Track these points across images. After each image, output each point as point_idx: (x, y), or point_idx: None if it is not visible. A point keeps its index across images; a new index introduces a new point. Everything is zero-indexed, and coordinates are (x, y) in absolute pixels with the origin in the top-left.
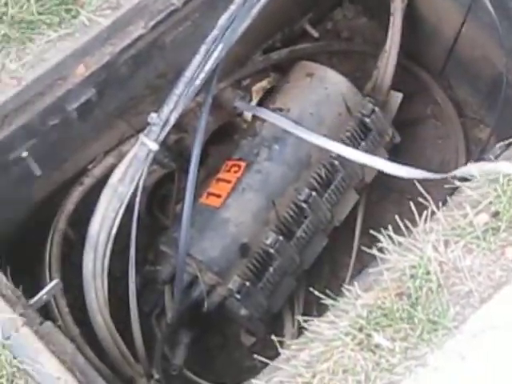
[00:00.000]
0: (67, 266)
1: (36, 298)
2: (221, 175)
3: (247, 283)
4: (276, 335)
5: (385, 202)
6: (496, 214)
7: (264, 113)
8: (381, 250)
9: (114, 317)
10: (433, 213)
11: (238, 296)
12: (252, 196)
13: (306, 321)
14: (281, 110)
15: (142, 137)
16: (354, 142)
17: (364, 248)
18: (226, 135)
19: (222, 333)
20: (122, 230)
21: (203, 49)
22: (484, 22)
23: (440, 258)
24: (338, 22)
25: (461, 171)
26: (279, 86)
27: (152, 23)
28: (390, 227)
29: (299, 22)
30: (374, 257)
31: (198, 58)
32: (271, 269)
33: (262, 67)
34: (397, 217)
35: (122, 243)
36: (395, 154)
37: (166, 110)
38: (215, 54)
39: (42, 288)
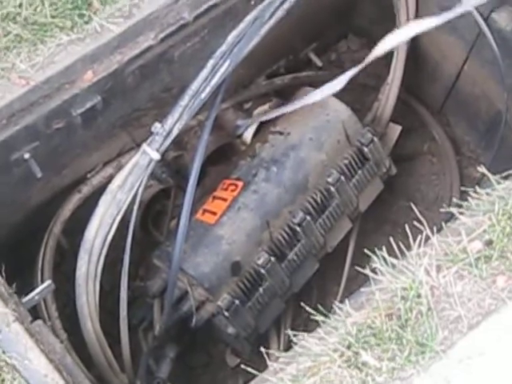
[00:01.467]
0: (58, 274)
1: (28, 297)
2: (217, 193)
3: (236, 301)
4: (261, 358)
5: (377, 232)
6: (489, 243)
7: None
8: (374, 270)
9: (102, 329)
10: (427, 237)
11: (227, 314)
12: (247, 215)
13: (295, 335)
14: (281, 133)
15: (144, 146)
16: (350, 170)
17: (357, 268)
18: (224, 156)
19: (207, 351)
20: (114, 244)
21: (210, 63)
22: (486, 60)
23: (432, 282)
24: (343, 53)
25: None
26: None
27: (162, 35)
28: (383, 249)
29: (304, 50)
30: (361, 285)
31: (204, 72)
32: (261, 289)
33: (264, 91)
34: (391, 239)
35: (113, 256)
36: (390, 185)
37: (170, 120)
38: (222, 70)
39: (33, 290)
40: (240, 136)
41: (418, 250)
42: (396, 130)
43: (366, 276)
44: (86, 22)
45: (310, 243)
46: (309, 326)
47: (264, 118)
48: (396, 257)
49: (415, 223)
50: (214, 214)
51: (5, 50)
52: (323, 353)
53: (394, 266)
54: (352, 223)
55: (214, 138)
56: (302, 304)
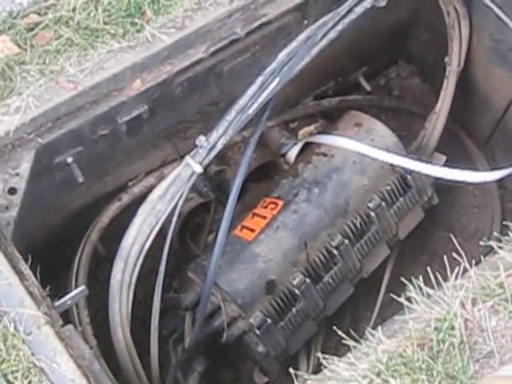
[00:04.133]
0: (92, 280)
1: (61, 301)
2: (257, 210)
3: (268, 320)
4: (289, 379)
5: (414, 261)
6: None
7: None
8: (409, 299)
9: (131, 339)
10: (465, 270)
11: (258, 332)
12: (285, 235)
13: (325, 358)
14: (325, 155)
15: (187, 158)
16: (392, 197)
17: (392, 295)
18: (266, 174)
19: (235, 368)
20: (150, 254)
21: (259, 80)
22: None
23: (466, 314)
24: (392, 79)
25: None
26: (326, 131)
27: (212, 49)
28: (420, 278)
29: (354, 73)
30: (394, 313)
31: (253, 88)
32: (294, 309)
33: (311, 112)
34: (428, 269)
35: (147, 267)
36: (431, 215)
37: (214, 134)
38: (270, 87)
39: (65, 295)
40: (283, 155)
41: (455, 282)
42: (440, 159)
43: (400, 304)
44: (138, 31)
45: (347, 267)
46: (339, 350)
47: (310, 140)
48: (432, 287)
49: (454, 255)
50: (253, 231)
51: (55, 53)
52: (352, 378)
53: (429, 295)
54: (390, 250)
55: (257, 155)
56: (335, 328)
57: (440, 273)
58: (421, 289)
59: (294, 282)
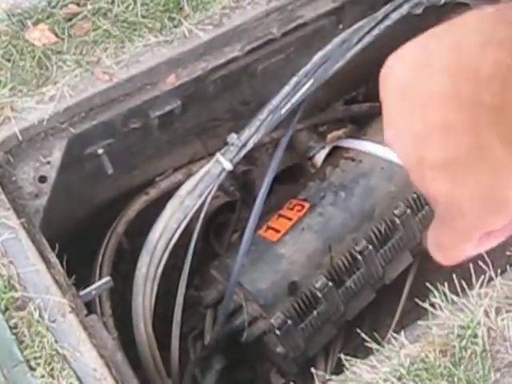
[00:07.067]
0: (114, 274)
1: (86, 290)
2: (283, 212)
3: (289, 321)
4: (306, 381)
5: (436, 270)
6: None
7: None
8: (432, 305)
9: None
10: (490, 278)
11: (278, 332)
12: (310, 237)
13: (346, 360)
14: (353, 159)
15: (218, 155)
16: (418, 205)
17: (416, 300)
18: (293, 176)
19: (253, 368)
20: (173, 251)
21: (293, 81)
22: None
23: (490, 323)
24: None
25: None
26: (355, 136)
27: (248, 48)
28: (445, 284)
29: None
30: (414, 320)
31: (287, 89)
32: (315, 312)
33: (340, 116)
34: (453, 275)
35: (170, 264)
36: None
37: (246, 132)
38: (304, 88)
39: (89, 286)
40: (311, 158)
41: (480, 290)
42: None
43: (421, 312)
44: (175, 26)
45: (369, 273)
46: (358, 355)
47: (338, 144)
48: (457, 294)
49: (478, 263)
50: (278, 231)
51: (92, 44)
52: (373, 381)
53: (453, 302)
54: (413, 258)
55: (285, 157)
56: (357, 330)
57: (462, 283)
58: (445, 295)
59: (317, 285)
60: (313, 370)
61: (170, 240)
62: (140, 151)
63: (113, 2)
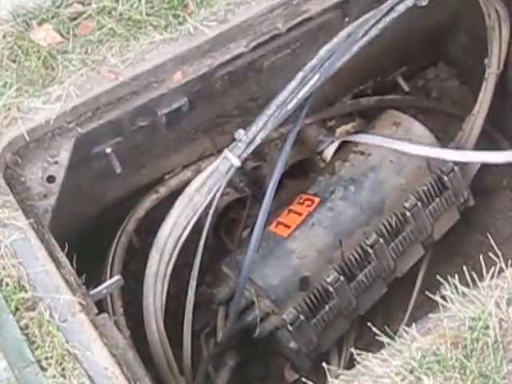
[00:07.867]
0: (125, 272)
1: (97, 289)
2: (293, 207)
3: (301, 317)
4: (319, 376)
5: (448, 263)
6: None
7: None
8: (444, 297)
9: None
10: (500, 270)
11: (291, 328)
12: (320, 232)
13: (358, 354)
14: (362, 153)
15: (226, 151)
16: (428, 197)
17: (428, 293)
18: (303, 171)
19: (266, 364)
20: (184, 248)
21: (300, 75)
22: None
23: (501, 314)
24: (430, 80)
25: None
26: (364, 131)
27: (253, 44)
28: (456, 276)
29: (392, 73)
30: (426, 313)
31: (293, 84)
32: (327, 307)
33: (349, 111)
34: (464, 268)
35: (181, 261)
36: (466, 217)
37: (254, 128)
38: (310, 83)
39: (99, 285)
40: (320, 153)
41: (490, 282)
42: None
43: (433, 304)
44: (180, 23)
45: (381, 266)
46: (371, 349)
47: (347, 138)
48: (468, 286)
49: (489, 255)
50: (288, 227)
51: (97, 43)
52: (385, 375)
53: (464, 294)
54: (424, 251)
55: (294, 152)
56: (368, 324)
57: (473, 275)
58: (456, 288)
59: (328, 280)
60: (325, 365)
61: (180, 237)
62: (148, 149)
63: (117, 1)
